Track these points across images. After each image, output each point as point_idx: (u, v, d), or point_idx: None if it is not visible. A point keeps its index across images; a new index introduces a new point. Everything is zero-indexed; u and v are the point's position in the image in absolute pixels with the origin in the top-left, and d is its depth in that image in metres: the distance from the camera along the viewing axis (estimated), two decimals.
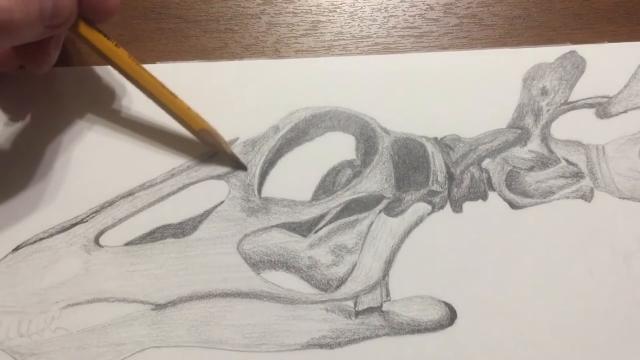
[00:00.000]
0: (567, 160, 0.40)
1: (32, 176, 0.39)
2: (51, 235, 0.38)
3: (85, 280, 0.37)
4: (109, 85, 0.41)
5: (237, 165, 0.40)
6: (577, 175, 0.40)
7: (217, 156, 0.40)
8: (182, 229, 0.38)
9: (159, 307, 0.37)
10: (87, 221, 0.38)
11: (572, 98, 0.41)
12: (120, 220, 0.39)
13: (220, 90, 0.41)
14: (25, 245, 0.38)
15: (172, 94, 0.37)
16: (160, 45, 0.42)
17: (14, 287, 0.37)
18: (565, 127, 0.41)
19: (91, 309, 0.37)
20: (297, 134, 0.41)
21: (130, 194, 0.39)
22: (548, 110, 0.41)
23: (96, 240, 0.38)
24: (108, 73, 0.41)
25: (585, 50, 0.42)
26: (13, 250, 0.38)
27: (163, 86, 0.37)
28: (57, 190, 0.39)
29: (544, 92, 0.41)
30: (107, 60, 0.36)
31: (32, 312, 0.37)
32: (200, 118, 0.38)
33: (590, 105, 0.41)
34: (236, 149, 0.40)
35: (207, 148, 0.40)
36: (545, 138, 0.40)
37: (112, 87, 0.41)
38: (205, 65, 0.42)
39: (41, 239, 0.38)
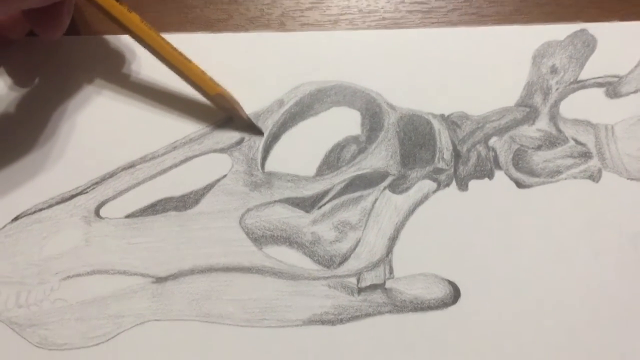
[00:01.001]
0: (575, 140, 0.39)
1: (34, 145, 0.39)
2: (51, 206, 0.38)
3: (85, 251, 0.37)
4: (117, 54, 0.41)
5: (253, 129, 0.39)
6: (585, 155, 0.39)
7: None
8: (183, 202, 0.38)
9: (159, 280, 0.37)
10: (87, 192, 0.38)
11: (581, 77, 0.41)
12: (121, 192, 0.38)
13: (224, 63, 0.41)
14: (25, 216, 0.37)
15: (186, 58, 0.37)
16: (163, 16, 0.42)
17: (13, 258, 0.37)
18: (574, 106, 0.40)
19: (91, 280, 0.36)
20: (302, 109, 0.40)
21: (131, 165, 0.39)
22: (557, 89, 0.40)
23: (96, 212, 0.38)
24: (117, 42, 0.41)
25: (596, 28, 0.42)
26: (12, 220, 0.37)
27: (177, 51, 0.37)
28: (57, 161, 0.39)
29: (554, 70, 0.41)
30: (119, 25, 0.36)
31: (31, 283, 0.36)
32: (215, 83, 0.37)
33: (600, 85, 0.40)
34: (238, 124, 0.39)
35: (218, 116, 0.39)
36: (553, 117, 0.40)
37: (121, 56, 0.41)
38: (209, 37, 0.41)
39: (41, 210, 0.38)
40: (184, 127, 0.39)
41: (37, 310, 0.36)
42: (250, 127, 0.39)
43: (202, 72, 0.37)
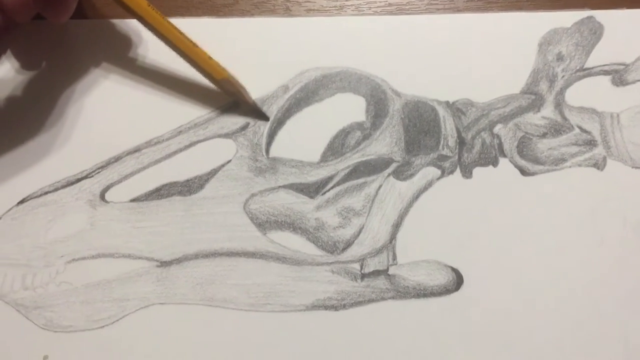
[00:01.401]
0: (580, 128, 0.39)
1: (40, 129, 0.39)
2: (57, 189, 0.38)
3: (90, 235, 0.37)
4: (124, 38, 0.41)
5: (259, 115, 0.39)
6: (590, 143, 0.39)
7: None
8: (188, 187, 0.38)
9: (164, 264, 0.37)
10: (92, 176, 0.38)
11: (588, 64, 0.40)
12: (126, 177, 0.38)
13: (229, 48, 0.40)
14: (31, 199, 0.38)
15: (193, 43, 0.37)
16: (169, 0, 0.42)
17: (19, 240, 0.37)
18: (580, 94, 0.40)
19: (96, 264, 0.37)
20: (307, 94, 0.40)
21: (136, 150, 0.39)
22: (563, 77, 0.40)
23: (102, 196, 0.38)
24: (124, 26, 0.41)
25: (604, 15, 0.41)
26: (18, 203, 0.38)
27: (184, 35, 0.37)
28: (63, 144, 0.39)
29: (560, 57, 0.40)
30: (126, 9, 0.36)
31: (37, 266, 0.36)
32: (221, 67, 0.37)
33: (607, 72, 0.40)
34: (243, 109, 0.39)
35: (224, 100, 0.39)
36: (559, 105, 0.40)
37: (128, 40, 0.41)
38: (215, 22, 0.41)
39: (47, 193, 0.38)
40: (189, 111, 0.40)
41: (42, 292, 0.36)
42: (256, 112, 0.39)
43: (209, 56, 0.37)
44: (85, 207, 0.38)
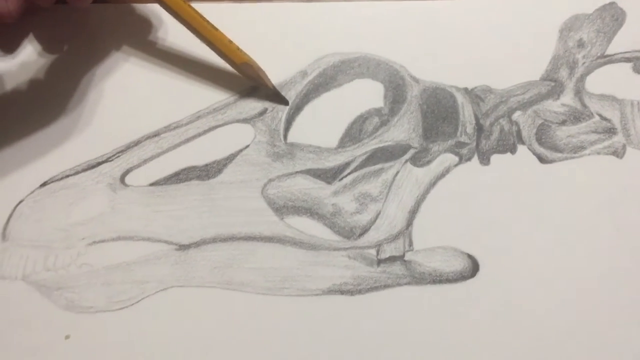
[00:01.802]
0: (600, 116, 0.39)
1: (61, 112, 0.39)
2: (77, 173, 0.38)
3: (110, 218, 0.38)
4: (145, 22, 0.41)
5: (279, 99, 0.39)
6: (610, 131, 0.39)
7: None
8: (207, 172, 0.38)
9: (182, 247, 0.37)
10: (112, 160, 0.39)
11: (609, 51, 0.40)
12: (146, 161, 0.39)
13: (249, 33, 0.41)
14: (52, 182, 0.38)
15: (213, 27, 0.37)
16: None
17: (40, 222, 0.38)
18: (600, 81, 0.40)
19: (116, 246, 0.37)
20: (325, 80, 0.40)
21: (156, 134, 0.39)
22: (584, 63, 0.40)
23: (122, 180, 0.38)
24: (145, 10, 0.41)
25: (626, 1, 0.41)
26: (40, 186, 0.38)
27: (205, 19, 0.37)
28: (84, 128, 0.39)
29: (581, 44, 0.40)
30: None
31: (59, 248, 0.37)
32: (241, 51, 0.38)
33: (628, 60, 0.40)
34: (263, 93, 0.40)
35: (243, 85, 0.40)
36: (579, 92, 0.39)
37: (149, 24, 0.41)
38: (235, 7, 0.41)
39: (67, 176, 0.38)
40: (209, 96, 0.40)
41: (64, 274, 0.37)
42: (275, 96, 0.39)
43: (229, 40, 0.37)
44: (105, 190, 0.38)
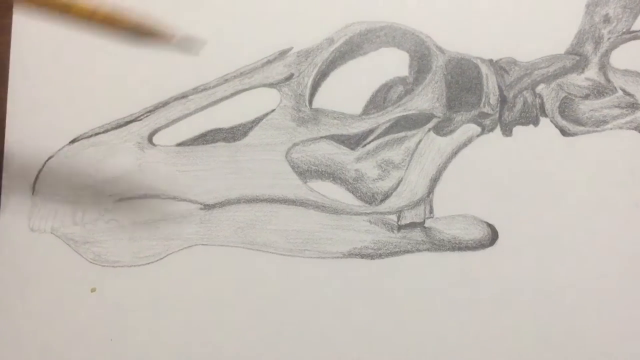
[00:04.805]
0: (624, 91, 0.39)
1: (92, 71, 0.40)
2: (107, 131, 0.39)
3: (138, 176, 0.38)
4: None
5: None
6: (633, 106, 0.39)
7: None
8: (232, 134, 0.39)
9: (207, 207, 0.38)
10: (141, 120, 0.39)
11: (635, 27, 0.40)
12: (173, 121, 0.39)
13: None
14: (82, 139, 0.39)
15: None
16: None
17: (70, 178, 0.38)
18: (625, 56, 0.40)
19: (143, 204, 0.38)
20: (352, 48, 0.40)
21: (183, 96, 0.40)
22: (609, 39, 0.40)
23: (149, 139, 0.39)
24: None
25: None
26: (70, 142, 0.39)
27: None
28: (113, 87, 0.40)
29: (607, 19, 0.40)
30: None
31: (87, 203, 0.38)
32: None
33: None
34: (289, 59, 0.40)
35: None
36: (603, 66, 0.40)
37: None
38: None
39: (97, 134, 0.39)
40: (236, 60, 0.40)
41: (91, 228, 0.38)
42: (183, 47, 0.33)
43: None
44: (133, 149, 0.39)
